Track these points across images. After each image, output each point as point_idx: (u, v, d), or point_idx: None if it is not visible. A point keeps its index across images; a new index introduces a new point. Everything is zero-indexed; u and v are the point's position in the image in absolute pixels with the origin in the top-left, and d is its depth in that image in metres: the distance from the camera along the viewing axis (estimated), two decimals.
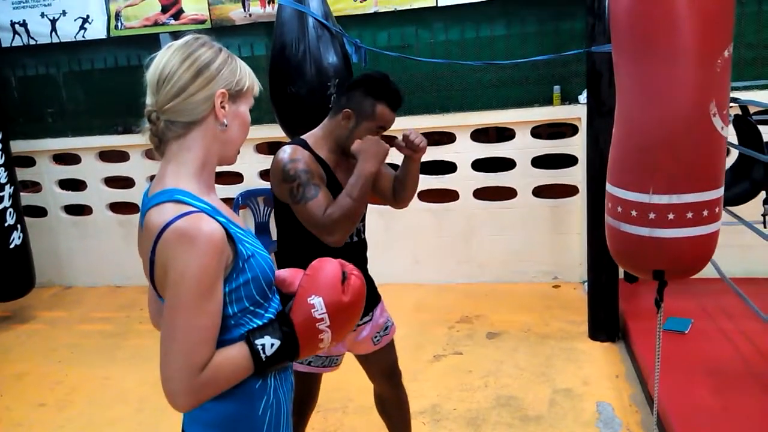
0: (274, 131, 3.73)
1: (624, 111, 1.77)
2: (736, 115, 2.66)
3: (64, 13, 4.68)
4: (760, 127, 2.60)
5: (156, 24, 4.60)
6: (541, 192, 4.26)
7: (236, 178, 4.68)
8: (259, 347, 1.09)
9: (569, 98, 4.09)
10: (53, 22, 4.71)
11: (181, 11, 4.53)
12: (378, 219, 4.15)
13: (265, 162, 4.67)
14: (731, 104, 2.25)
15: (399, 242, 4.44)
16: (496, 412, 2.79)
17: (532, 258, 4.30)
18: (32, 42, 4.78)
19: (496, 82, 4.21)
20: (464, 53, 4.20)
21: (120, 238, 4.88)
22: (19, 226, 4.28)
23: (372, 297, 2.01)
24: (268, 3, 4.33)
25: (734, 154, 2.70)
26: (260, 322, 1.15)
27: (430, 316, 3.93)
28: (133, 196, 4.86)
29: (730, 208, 2.68)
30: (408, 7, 4.16)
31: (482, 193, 4.34)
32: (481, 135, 4.38)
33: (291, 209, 1.78)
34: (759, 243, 2.59)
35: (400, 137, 1.89)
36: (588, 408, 2.76)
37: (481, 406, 2.84)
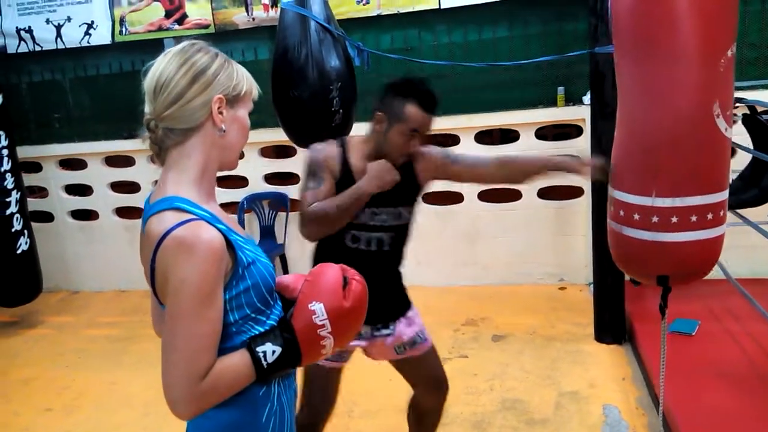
0: (278, 135, 3.71)
1: (626, 112, 1.75)
2: (744, 115, 2.63)
3: (69, 19, 4.72)
4: None
5: (160, 29, 4.62)
6: (546, 193, 4.24)
7: (241, 181, 4.68)
8: (261, 354, 1.09)
9: (573, 99, 4.08)
10: (58, 28, 4.74)
11: (185, 16, 4.55)
12: None
13: (270, 166, 4.68)
14: (737, 105, 2.23)
15: None
16: (502, 415, 2.78)
17: (537, 260, 4.28)
18: (38, 48, 4.81)
19: (499, 84, 4.19)
20: (467, 55, 4.19)
21: (126, 243, 4.89)
22: (26, 231, 4.29)
23: (390, 310, 1.99)
24: (271, 7, 4.34)
25: (739, 155, 2.67)
26: (262, 329, 1.14)
27: (434, 318, 3.88)
28: (139, 200, 4.86)
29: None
30: (411, 10, 4.17)
31: (487, 195, 4.32)
32: (485, 137, 4.37)
33: None
34: (765, 244, 2.57)
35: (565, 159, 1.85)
36: (594, 411, 2.74)
37: (486, 410, 2.83)
